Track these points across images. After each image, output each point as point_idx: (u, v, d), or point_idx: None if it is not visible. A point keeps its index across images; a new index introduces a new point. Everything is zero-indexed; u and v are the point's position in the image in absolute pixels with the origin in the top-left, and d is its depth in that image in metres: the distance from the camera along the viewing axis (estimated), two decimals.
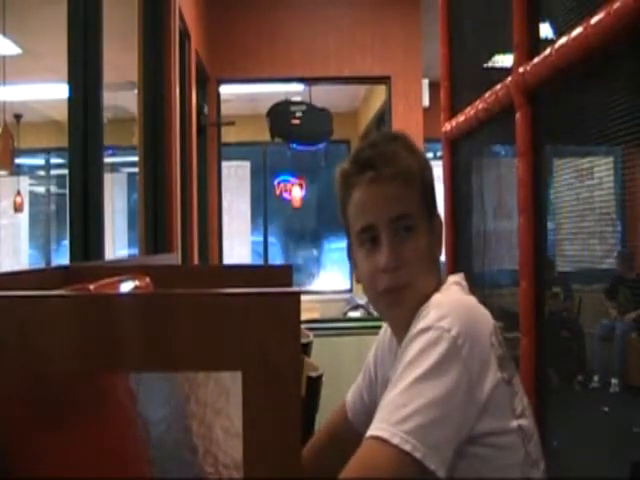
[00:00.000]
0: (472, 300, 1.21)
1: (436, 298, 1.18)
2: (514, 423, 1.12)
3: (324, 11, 6.01)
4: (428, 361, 1.06)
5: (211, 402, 0.80)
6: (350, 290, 9.04)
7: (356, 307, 7.49)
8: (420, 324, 1.11)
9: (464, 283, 1.28)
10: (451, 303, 1.15)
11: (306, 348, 3.23)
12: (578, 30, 1.73)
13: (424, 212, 1.26)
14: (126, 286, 1.26)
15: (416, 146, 1.32)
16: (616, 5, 1.55)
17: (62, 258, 8.32)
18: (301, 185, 9.43)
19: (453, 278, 1.28)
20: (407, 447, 1.00)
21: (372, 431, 1.04)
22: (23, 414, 0.74)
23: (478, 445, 1.09)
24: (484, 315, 1.16)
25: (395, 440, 1.01)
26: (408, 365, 1.08)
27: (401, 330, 1.22)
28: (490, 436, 1.09)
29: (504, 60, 2.52)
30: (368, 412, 1.35)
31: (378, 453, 1.03)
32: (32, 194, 9.13)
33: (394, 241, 1.22)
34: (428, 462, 1.01)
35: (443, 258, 3.34)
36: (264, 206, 9.23)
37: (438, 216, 1.30)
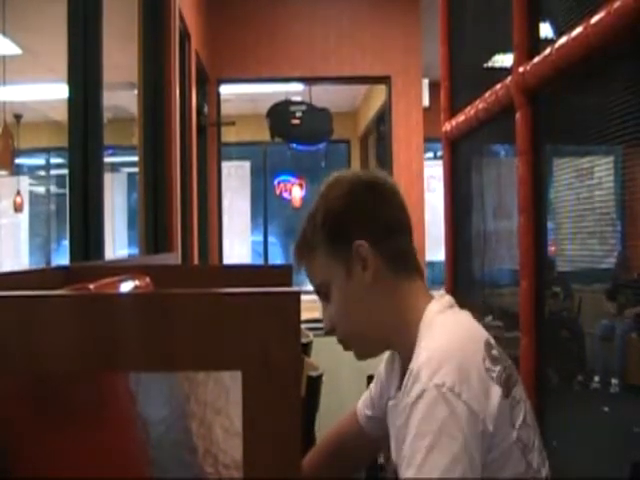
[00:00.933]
0: (458, 331, 1.21)
1: (423, 349, 1.17)
2: (513, 435, 1.12)
3: (324, 11, 6.01)
4: (433, 426, 1.07)
5: (211, 402, 0.80)
6: None
7: None
8: (415, 388, 1.11)
9: (447, 304, 1.27)
10: (437, 353, 1.15)
11: (306, 348, 3.23)
12: (578, 30, 1.73)
13: (334, 262, 1.28)
14: (126, 286, 1.26)
15: (323, 196, 1.32)
16: (616, 5, 1.55)
17: (62, 258, 8.32)
18: (301, 185, 9.43)
19: (434, 307, 1.25)
20: None
21: None
22: (23, 414, 0.74)
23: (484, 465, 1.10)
24: (473, 343, 1.17)
25: None
26: (416, 438, 1.09)
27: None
28: (490, 452, 1.10)
29: (504, 60, 2.52)
30: (378, 420, 1.42)
31: None
32: (32, 194, 9.12)
33: (324, 308, 1.34)
34: None
35: (442, 258, 3.34)
36: (264, 206, 9.22)
37: (356, 244, 1.26)
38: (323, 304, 1.34)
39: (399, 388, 1.30)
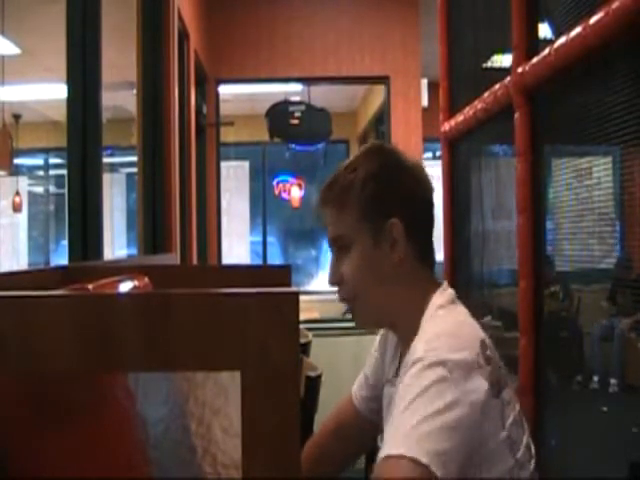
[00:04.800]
0: (458, 324, 1.24)
1: (422, 341, 1.19)
2: (503, 434, 1.14)
3: (323, 11, 6.01)
4: (421, 384, 1.09)
5: (210, 402, 0.80)
6: None
7: None
8: (412, 358, 1.15)
9: (449, 299, 1.29)
10: (435, 335, 1.18)
11: (305, 348, 3.23)
12: (577, 30, 1.73)
13: (364, 226, 1.29)
14: (125, 286, 1.26)
15: (370, 157, 1.34)
16: (615, 5, 1.55)
17: (61, 258, 8.32)
18: (300, 185, 9.42)
19: (437, 300, 1.28)
20: (411, 454, 1.02)
21: (383, 452, 1.06)
22: (22, 414, 0.74)
23: (472, 465, 1.10)
24: (470, 338, 1.19)
25: (400, 450, 1.03)
26: (404, 391, 1.11)
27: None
28: (482, 451, 1.11)
29: (503, 60, 2.52)
30: (375, 399, 1.45)
31: (392, 467, 1.04)
32: (31, 194, 9.12)
33: (335, 259, 1.33)
34: (434, 469, 1.02)
35: (441, 258, 3.34)
36: (263, 206, 9.22)
37: (392, 222, 1.28)
38: (334, 255, 1.33)
39: (396, 374, 1.33)
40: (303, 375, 2.38)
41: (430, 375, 1.10)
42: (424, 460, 1.02)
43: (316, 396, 2.43)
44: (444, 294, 1.30)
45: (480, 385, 1.12)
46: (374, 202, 1.29)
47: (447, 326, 1.22)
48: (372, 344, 1.53)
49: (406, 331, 1.28)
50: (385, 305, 1.31)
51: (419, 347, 1.16)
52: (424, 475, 1.02)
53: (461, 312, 1.29)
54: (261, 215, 9.22)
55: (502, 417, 1.14)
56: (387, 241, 1.28)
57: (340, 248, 1.31)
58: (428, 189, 1.35)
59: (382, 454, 1.06)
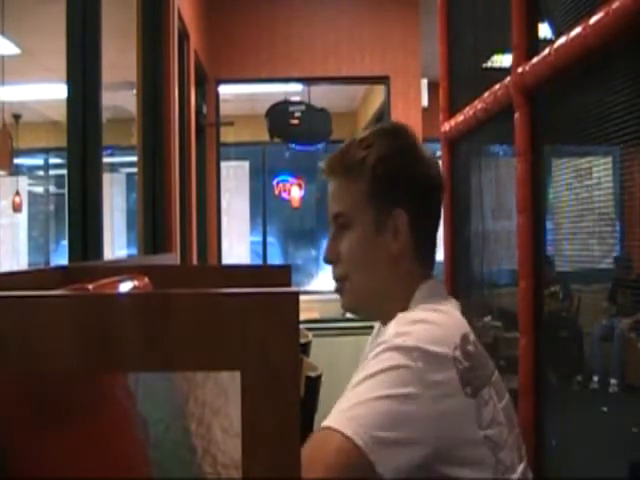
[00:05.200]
0: (439, 313, 1.19)
1: (397, 317, 1.17)
2: (480, 434, 1.09)
3: (323, 11, 6.01)
4: (379, 365, 1.06)
5: (210, 402, 0.80)
6: None
7: None
8: (380, 339, 1.12)
9: (436, 291, 1.27)
10: (412, 322, 1.14)
11: (305, 348, 3.23)
12: (577, 30, 1.73)
13: (369, 208, 1.25)
14: (125, 286, 1.26)
15: (386, 138, 1.29)
16: (615, 5, 1.55)
17: (61, 258, 8.32)
18: (300, 185, 9.43)
19: (420, 293, 1.25)
20: (348, 432, 1.00)
21: (323, 423, 1.04)
22: (22, 414, 0.74)
23: (445, 463, 1.07)
24: (449, 330, 1.15)
25: (335, 425, 1.01)
26: (362, 369, 1.09)
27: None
28: (456, 450, 1.08)
29: (503, 60, 2.52)
30: None
31: (325, 437, 1.02)
32: (31, 194, 9.12)
33: (334, 236, 1.29)
34: (368, 451, 0.99)
35: (441, 258, 3.34)
36: (263, 206, 9.22)
37: (397, 211, 1.24)
38: (333, 232, 1.29)
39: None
40: (303, 375, 2.38)
41: (392, 359, 1.06)
42: (359, 442, 0.99)
43: (316, 396, 2.43)
44: (431, 285, 1.26)
45: (449, 381, 1.07)
46: (383, 186, 1.25)
47: (426, 314, 1.17)
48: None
49: (386, 323, 1.24)
50: (374, 292, 1.27)
51: (391, 328, 1.13)
52: (355, 455, 0.99)
53: (447, 304, 1.24)
54: (261, 215, 9.22)
55: (478, 418, 1.10)
56: (389, 229, 1.24)
57: (341, 225, 1.27)
58: (439, 185, 1.31)
59: (323, 424, 1.04)
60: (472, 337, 1.17)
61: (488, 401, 1.13)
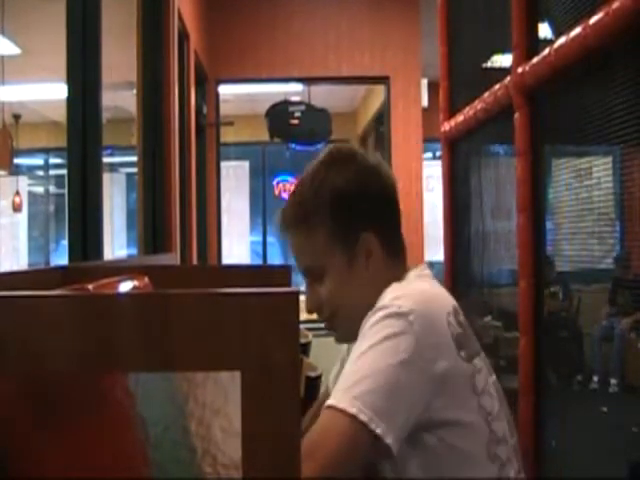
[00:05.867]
0: (429, 285, 1.23)
1: (392, 286, 1.19)
2: (474, 401, 1.11)
3: (323, 11, 6.01)
4: (379, 334, 1.08)
5: (210, 402, 0.80)
6: None
7: None
8: (376, 305, 1.14)
9: (426, 272, 1.29)
10: (405, 287, 1.18)
11: (305, 348, 3.23)
12: (577, 30, 1.73)
13: (335, 249, 1.25)
14: (125, 286, 1.25)
15: (333, 168, 1.26)
16: (615, 5, 1.56)
17: (61, 258, 8.32)
18: None
19: (414, 272, 1.28)
20: (353, 410, 1.01)
21: (327, 402, 1.06)
22: (21, 414, 0.74)
23: (440, 427, 1.09)
24: (440, 297, 1.19)
25: (342, 405, 1.02)
26: (361, 339, 1.11)
27: None
28: (449, 413, 1.09)
29: (503, 60, 2.52)
30: None
31: (330, 420, 1.04)
32: (31, 194, 9.12)
33: (311, 288, 1.30)
34: (374, 426, 1.01)
35: (441, 258, 3.34)
36: (263, 206, 9.22)
37: (364, 236, 1.24)
38: (310, 283, 1.29)
39: None
40: (303, 375, 2.38)
41: (390, 326, 1.07)
42: (363, 417, 1.00)
43: (316, 396, 2.43)
44: (419, 269, 1.29)
45: (446, 343, 1.09)
46: (344, 220, 1.24)
47: (417, 285, 1.21)
48: None
49: None
50: (364, 311, 1.25)
51: (386, 295, 1.14)
52: (360, 434, 1.01)
53: (436, 283, 1.27)
54: (261, 215, 9.22)
55: (472, 383, 1.11)
56: (362, 254, 1.25)
57: (316, 276, 1.28)
58: (392, 187, 1.30)
59: (327, 403, 1.05)
60: (460, 310, 1.19)
61: (480, 370, 1.15)
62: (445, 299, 1.19)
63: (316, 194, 1.25)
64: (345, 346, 1.45)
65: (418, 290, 1.18)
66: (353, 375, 1.06)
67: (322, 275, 1.27)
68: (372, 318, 1.11)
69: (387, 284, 1.24)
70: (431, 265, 1.43)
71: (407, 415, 1.05)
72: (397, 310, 1.09)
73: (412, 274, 1.27)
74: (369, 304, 1.26)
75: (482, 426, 1.12)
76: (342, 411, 1.02)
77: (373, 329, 1.10)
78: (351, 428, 1.01)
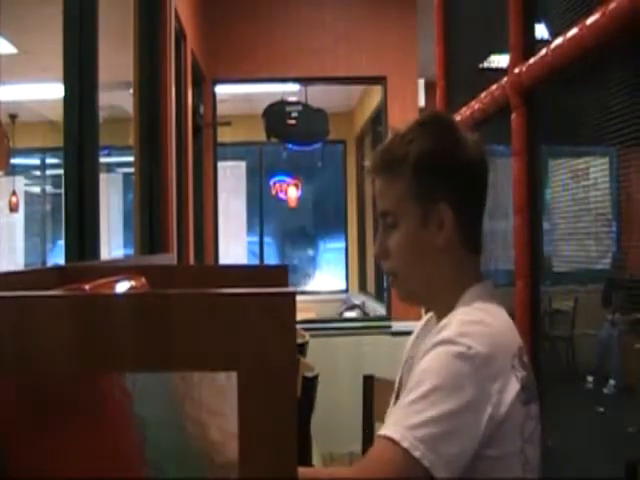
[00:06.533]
0: (497, 320, 1.21)
1: (461, 313, 1.18)
2: (518, 444, 1.11)
3: (320, 11, 6.01)
4: (444, 374, 1.08)
5: (207, 402, 0.80)
6: (346, 290, 9.04)
7: (352, 307, 7.50)
8: (443, 334, 1.13)
9: (489, 291, 1.28)
10: (474, 323, 1.16)
11: (302, 348, 3.23)
12: (574, 31, 1.73)
13: (412, 206, 1.26)
14: (122, 286, 1.25)
15: (427, 131, 1.30)
16: (611, 6, 1.56)
17: (58, 258, 8.30)
18: (297, 185, 9.43)
19: (478, 288, 1.27)
20: (416, 453, 1.03)
21: (385, 430, 1.06)
22: (17, 415, 0.74)
23: (477, 458, 1.09)
24: (508, 337, 1.18)
25: (405, 444, 1.03)
26: (427, 373, 1.10)
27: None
28: (494, 451, 1.10)
29: (500, 60, 2.52)
30: None
31: (388, 453, 1.05)
32: (27, 194, 9.10)
33: (382, 233, 1.31)
34: (435, 471, 1.02)
35: None
36: (260, 206, 9.22)
37: (441, 206, 1.26)
38: (382, 228, 1.31)
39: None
40: (300, 375, 2.38)
41: (456, 367, 1.07)
42: (426, 463, 1.02)
43: (313, 396, 2.43)
44: (485, 284, 1.29)
45: (510, 386, 1.10)
46: (425, 182, 1.26)
47: (487, 317, 1.19)
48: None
49: (441, 309, 1.28)
50: (423, 284, 1.31)
51: (452, 325, 1.14)
52: (412, 468, 1.02)
53: (503, 312, 1.26)
54: (258, 215, 9.22)
55: (522, 427, 1.12)
56: (434, 223, 1.26)
57: (390, 223, 1.29)
58: (483, 171, 1.31)
59: (388, 434, 1.05)
60: (524, 348, 1.19)
61: (533, 417, 1.15)
62: (511, 339, 1.18)
63: (404, 147, 1.27)
64: (408, 346, 1.44)
65: (486, 328, 1.16)
66: (417, 415, 1.05)
67: (395, 225, 1.28)
68: (439, 349, 1.11)
69: (454, 280, 1.27)
70: None
71: (465, 457, 1.07)
72: (465, 351, 1.09)
73: (477, 292, 1.26)
74: (429, 285, 1.30)
75: (518, 472, 1.12)
76: (405, 450, 1.03)
77: (439, 365, 1.09)
78: (411, 469, 1.02)
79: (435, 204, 1.25)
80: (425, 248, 1.27)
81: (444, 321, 1.18)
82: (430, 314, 1.43)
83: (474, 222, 1.31)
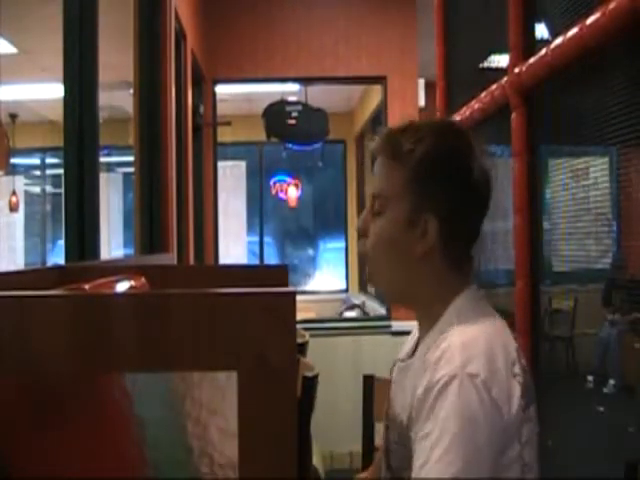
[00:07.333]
0: (492, 329, 1.20)
1: (457, 335, 1.16)
2: (517, 448, 1.11)
3: (320, 11, 6.01)
4: (463, 413, 1.07)
5: (207, 402, 0.80)
6: (346, 290, 9.04)
7: (352, 307, 7.49)
8: (446, 368, 1.11)
9: (480, 293, 1.28)
10: (472, 343, 1.14)
11: (302, 348, 3.22)
12: (574, 30, 1.73)
13: (404, 198, 1.24)
14: (122, 286, 1.25)
15: (440, 135, 1.27)
16: (611, 5, 1.56)
17: (58, 258, 8.30)
18: (297, 185, 9.43)
19: (468, 294, 1.26)
20: None
21: None
22: (18, 414, 0.74)
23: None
24: (505, 345, 1.17)
25: None
26: (444, 421, 1.07)
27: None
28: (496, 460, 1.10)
29: (500, 60, 2.52)
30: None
31: None
32: (27, 194, 9.10)
33: (369, 212, 1.29)
34: None
35: None
36: (260, 206, 9.21)
37: (429, 216, 1.22)
38: (369, 208, 1.29)
39: (412, 355, 1.31)
40: (300, 375, 2.37)
41: (468, 399, 1.07)
42: None
43: (313, 396, 2.43)
44: (469, 295, 1.27)
45: (514, 398, 1.10)
46: (421, 184, 1.23)
47: (484, 330, 1.18)
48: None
49: (426, 314, 1.27)
50: (391, 283, 1.30)
51: (454, 355, 1.11)
52: None
53: (496, 317, 1.25)
54: (258, 215, 9.22)
55: (520, 431, 1.11)
56: (418, 227, 1.23)
57: (378, 207, 1.27)
58: (484, 194, 1.27)
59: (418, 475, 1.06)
60: (520, 351, 1.19)
61: (531, 419, 1.15)
62: (508, 345, 1.17)
63: (410, 144, 1.25)
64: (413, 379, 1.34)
65: (485, 344, 1.14)
66: (448, 466, 1.04)
67: (380, 213, 1.27)
68: (450, 389, 1.08)
69: (430, 291, 1.25)
70: None
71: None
72: (475, 382, 1.08)
73: (464, 303, 1.24)
74: (396, 284, 1.29)
75: (516, 474, 1.12)
76: None
77: (455, 406, 1.07)
78: None
79: (424, 212, 1.23)
80: (401, 248, 1.25)
81: (442, 347, 1.15)
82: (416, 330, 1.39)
83: (461, 239, 1.28)
